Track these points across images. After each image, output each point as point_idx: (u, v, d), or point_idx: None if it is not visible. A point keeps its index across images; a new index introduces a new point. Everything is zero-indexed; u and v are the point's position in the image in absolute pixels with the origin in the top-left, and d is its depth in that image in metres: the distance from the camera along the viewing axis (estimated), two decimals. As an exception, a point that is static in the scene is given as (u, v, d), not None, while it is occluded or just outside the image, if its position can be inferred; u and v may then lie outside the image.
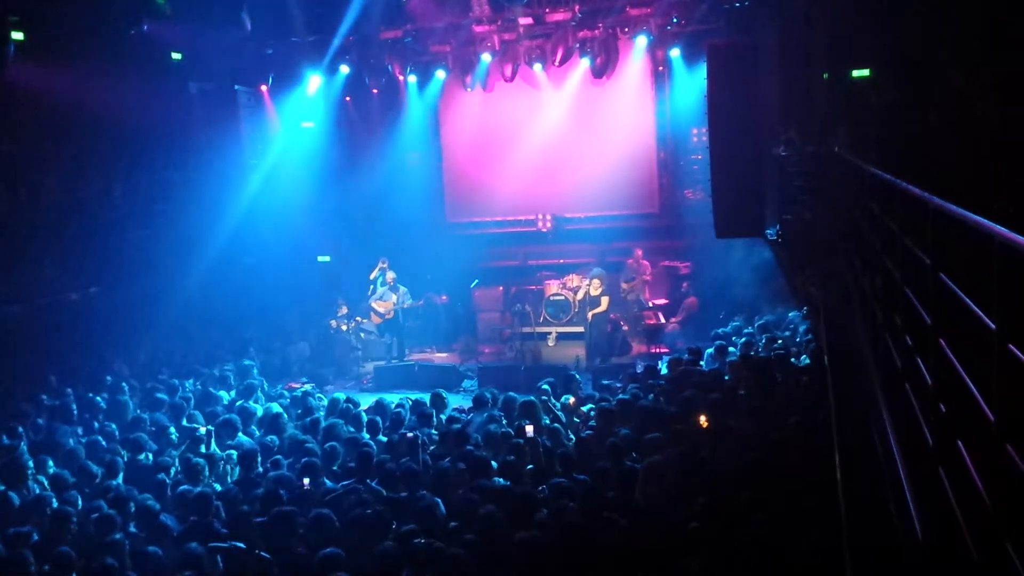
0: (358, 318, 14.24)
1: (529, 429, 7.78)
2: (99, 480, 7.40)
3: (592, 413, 8.83)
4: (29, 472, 7.37)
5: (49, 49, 10.83)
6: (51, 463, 7.75)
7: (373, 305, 14.02)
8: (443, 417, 9.13)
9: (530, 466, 7.32)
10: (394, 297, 13.96)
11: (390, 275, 14.25)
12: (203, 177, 14.33)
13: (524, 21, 14.19)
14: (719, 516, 5.50)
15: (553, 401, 9.20)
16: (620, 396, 9.13)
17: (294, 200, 15.73)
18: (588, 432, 8.23)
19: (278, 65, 15.11)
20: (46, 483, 7.35)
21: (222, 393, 10.53)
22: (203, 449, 8.16)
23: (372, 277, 14.43)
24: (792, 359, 9.64)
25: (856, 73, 9.43)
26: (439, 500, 6.43)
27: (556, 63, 14.54)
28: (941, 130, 5.59)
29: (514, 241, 16.10)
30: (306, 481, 7.05)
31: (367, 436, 8.51)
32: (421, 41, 14.93)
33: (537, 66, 14.78)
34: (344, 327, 14.18)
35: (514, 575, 5.43)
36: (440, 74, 15.52)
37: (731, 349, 10.89)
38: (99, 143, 12.53)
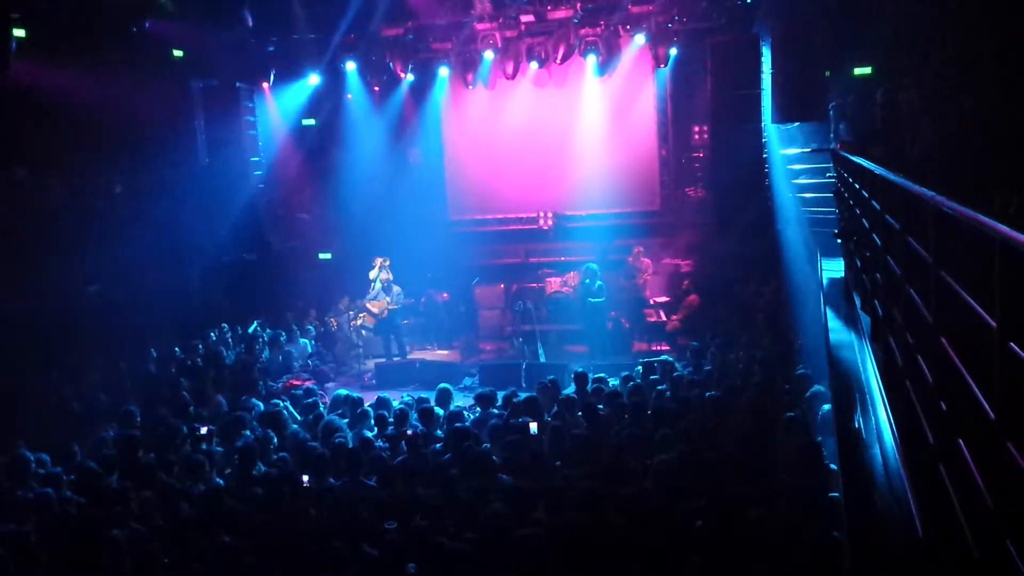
0: (362, 315, 14.24)
1: (532, 426, 7.79)
2: (100, 478, 7.38)
3: (593, 411, 8.82)
4: (30, 470, 7.37)
5: (51, 46, 10.81)
6: (51, 460, 7.75)
7: (367, 305, 14.03)
8: (446, 413, 9.12)
9: (532, 463, 7.31)
10: (388, 297, 13.93)
11: (384, 275, 14.16)
12: (205, 174, 14.33)
13: (526, 19, 14.18)
14: (720, 514, 5.49)
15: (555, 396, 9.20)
16: (620, 394, 9.13)
17: (295, 197, 15.74)
18: (589, 430, 8.22)
19: (280, 62, 15.11)
20: (46, 480, 7.33)
21: (221, 392, 10.52)
22: (204, 446, 8.16)
23: (372, 276, 14.41)
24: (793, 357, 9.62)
25: (858, 70, 9.43)
26: (441, 496, 6.44)
27: (558, 61, 14.54)
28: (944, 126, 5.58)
29: (515, 239, 16.09)
30: (305, 478, 7.06)
31: (369, 433, 8.51)
32: (423, 38, 14.92)
33: (536, 64, 14.77)
34: (354, 320, 14.14)
35: (515, 572, 5.43)
36: (442, 71, 15.50)
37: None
38: (100, 140, 12.50)
